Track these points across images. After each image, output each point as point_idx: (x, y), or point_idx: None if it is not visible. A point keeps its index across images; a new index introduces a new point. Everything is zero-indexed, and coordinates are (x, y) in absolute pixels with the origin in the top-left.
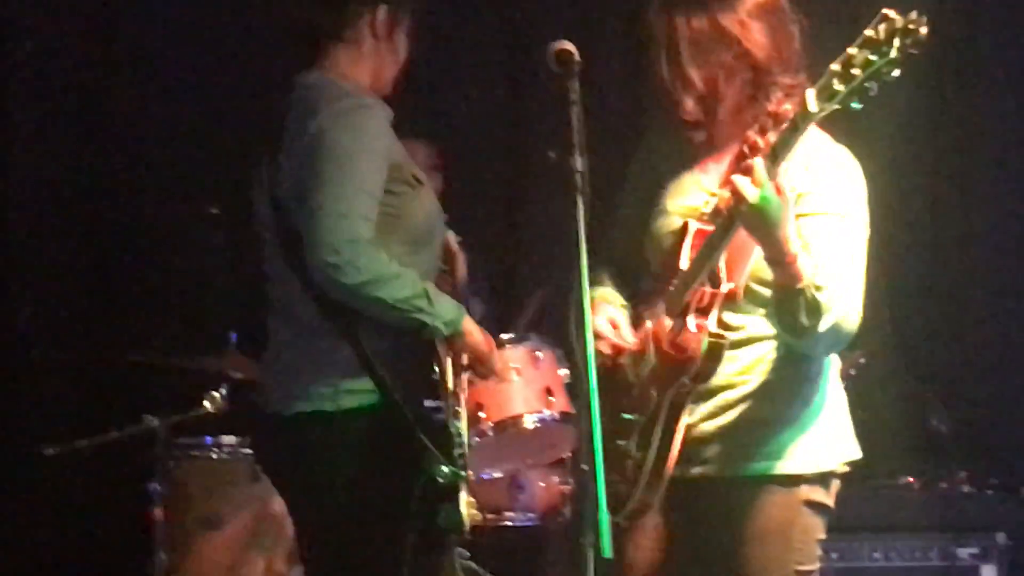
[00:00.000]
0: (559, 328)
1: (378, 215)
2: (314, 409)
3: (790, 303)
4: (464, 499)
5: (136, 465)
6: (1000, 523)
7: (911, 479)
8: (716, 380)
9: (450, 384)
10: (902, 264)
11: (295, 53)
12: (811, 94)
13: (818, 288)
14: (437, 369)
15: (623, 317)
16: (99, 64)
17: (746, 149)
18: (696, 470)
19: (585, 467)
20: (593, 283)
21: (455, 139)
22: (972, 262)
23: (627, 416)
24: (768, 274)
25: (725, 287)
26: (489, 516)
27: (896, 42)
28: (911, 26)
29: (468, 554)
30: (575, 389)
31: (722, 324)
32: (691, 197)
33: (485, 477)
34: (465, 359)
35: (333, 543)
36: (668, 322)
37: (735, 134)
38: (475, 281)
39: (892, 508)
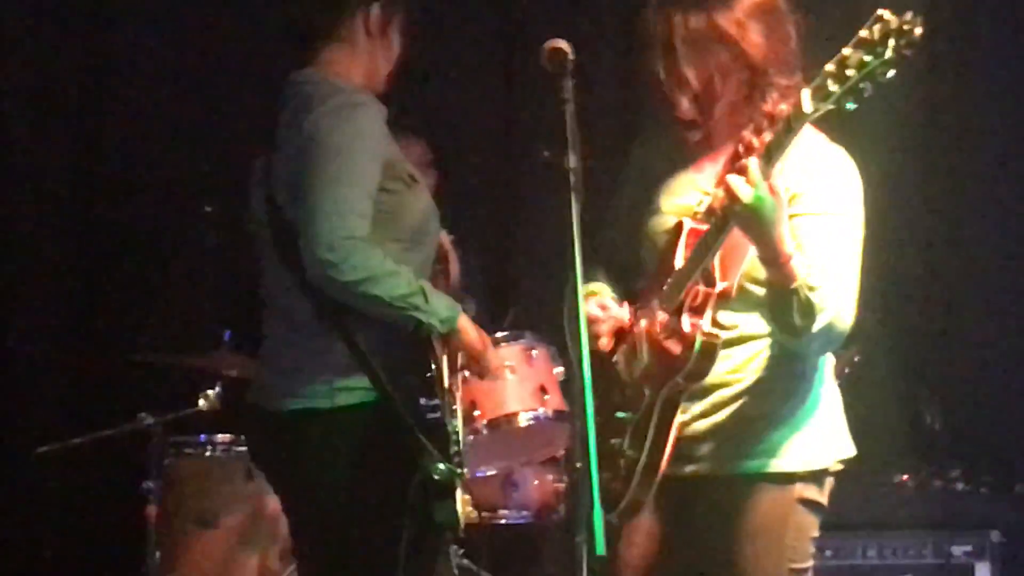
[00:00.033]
0: (553, 326)
1: (373, 213)
2: (309, 406)
3: (784, 303)
4: (460, 497)
5: (130, 463)
6: (994, 521)
7: (905, 477)
8: (710, 378)
9: (446, 382)
10: (896, 263)
11: (290, 51)
12: (806, 94)
13: (811, 288)
14: (433, 367)
15: (612, 300)
16: (94, 63)
17: (741, 149)
18: (690, 468)
19: (579, 465)
20: (587, 281)
21: (449, 137)
22: (966, 261)
23: (620, 414)
24: (762, 273)
25: (719, 286)
26: (483, 514)
27: (891, 43)
28: (906, 27)
29: (462, 552)
30: (569, 387)
31: (716, 323)
32: (686, 196)
33: (479, 475)
34: (460, 357)
35: (328, 540)
36: (662, 321)
37: (731, 134)
38: (469, 280)
39: (886, 506)
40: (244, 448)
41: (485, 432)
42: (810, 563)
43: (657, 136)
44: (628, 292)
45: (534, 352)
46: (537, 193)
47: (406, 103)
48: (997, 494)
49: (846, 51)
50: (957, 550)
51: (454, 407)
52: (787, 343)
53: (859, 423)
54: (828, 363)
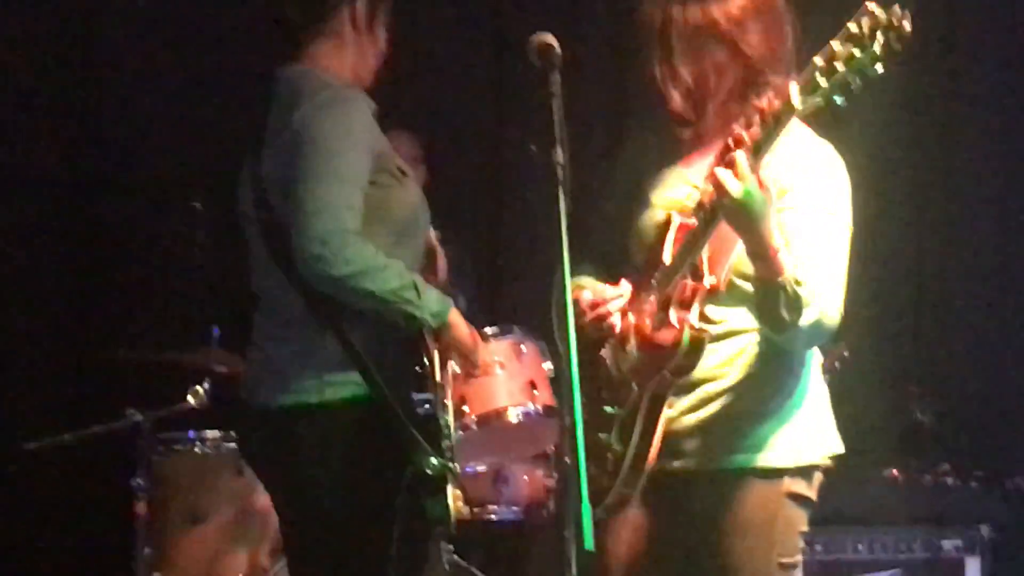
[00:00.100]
0: (542, 321)
1: (363, 207)
2: (299, 402)
3: (771, 297)
4: (451, 492)
5: (119, 460)
6: (984, 515)
7: (895, 472)
8: (697, 373)
9: (437, 376)
10: (885, 258)
11: (276, 47)
12: (794, 89)
13: (799, 283)
14: (425, 361)
15: (600, 284)
16: (82, 60)
17: (731, 143)
18: (677, 463)
19: (567, 460)
20: (575, 275)
21: (438, 131)
22: (955, 256)
23: (608, 409)
24: (750, 268)
25: (707, 281)
26: (474, 510)
27: (879, 37)
28: (894, 21)
29: (452, 548)
30: (559, 383)
31: (704, 318)
32: (676, 191)
33: (469, 471)
34: (451, 352)
35: (318, 536)
36: (650, 315)
37: (722, 129)
38: (459, 276)
39: (876, 501)
40: (233, 444)
41: (475, 427)
42: (799, 558)
43: (647, 131)
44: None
45: (524, 348)
46: (525, 188)
47: (395, 98)
48: (987, 489)
49: (834, 45)
50: (947, 545)
51: (445, 401)
52: (774, 338)
53: (849, 418)
54: (816, 359)
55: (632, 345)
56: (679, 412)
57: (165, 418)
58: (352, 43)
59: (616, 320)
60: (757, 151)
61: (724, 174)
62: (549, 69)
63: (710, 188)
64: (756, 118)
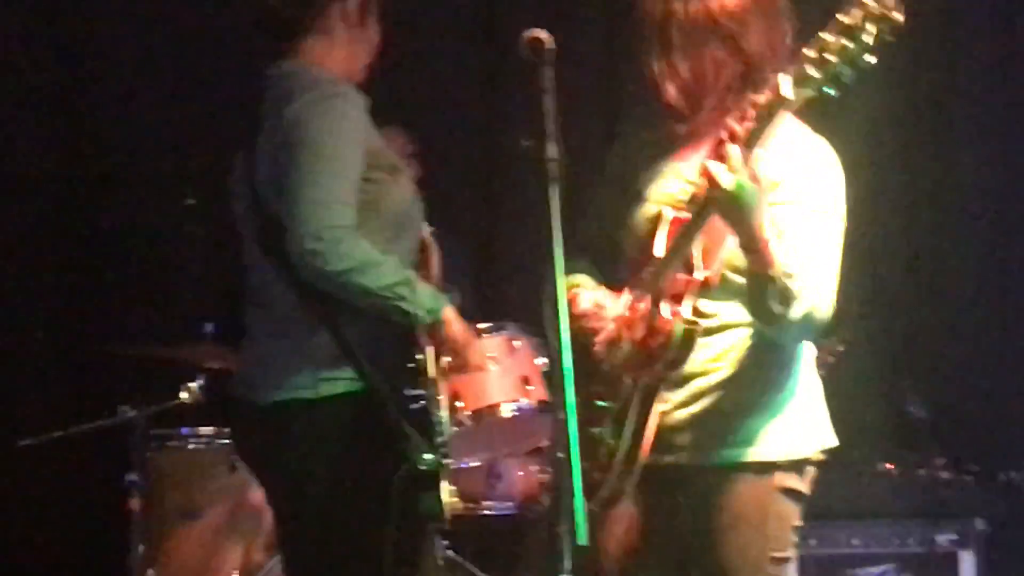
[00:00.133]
0: (536, 317)
1: (357, 203)
2: (293, 397)
3: (762, 290)
4: (445, 487)
5: (113, 456)
6: (978, 509)
7: (889, 466)
8: (690, 367)
9: (431, 372)
10: (880, 253)
11: (269, 43)
12: (785, 80)
13: (789, 275)
14: (418, 357)
15: (604, 295)
16: (75, 56)
17: (725, 136)
18: (670, 458)
19: (560, 456)
20: (568, 271)
21: (431, 127)
22: (949, 250)
23: (601, 403)
24: (742, 262)
25: (699, 275)
26: (468, 505)
27: (870, 27)
28: (885, 11)
29: (446, 543)
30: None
31: (696, 311)
32: (669, 185)
33: (463, 466)
34: (445, 348)
35: (312, 531)
36: (642, 309)
37: (717, 124)
38: (453, 272)
39: (871, 494)
40: (227, 440)
41: (469, 423)
42: (792, 552)
43: (641, 125)
44: (610, 281)
45: (517, 343)
46: (518, 183)
47: (387, 93)
48: (981, 483)
49: (825, 36)
50: (941, 538)
51: (439, 397)
52: (766, 331)
53: (843, 412)
54: (809, 353)
55: (625, 339)
56: (672, 406)
57: (159, 414)
58: (344, 39)
59: (611, 328)
60: (749, 144)
61: (716, 167)
62: (541, 64)
63: (702, 181)
64: (750, 111)
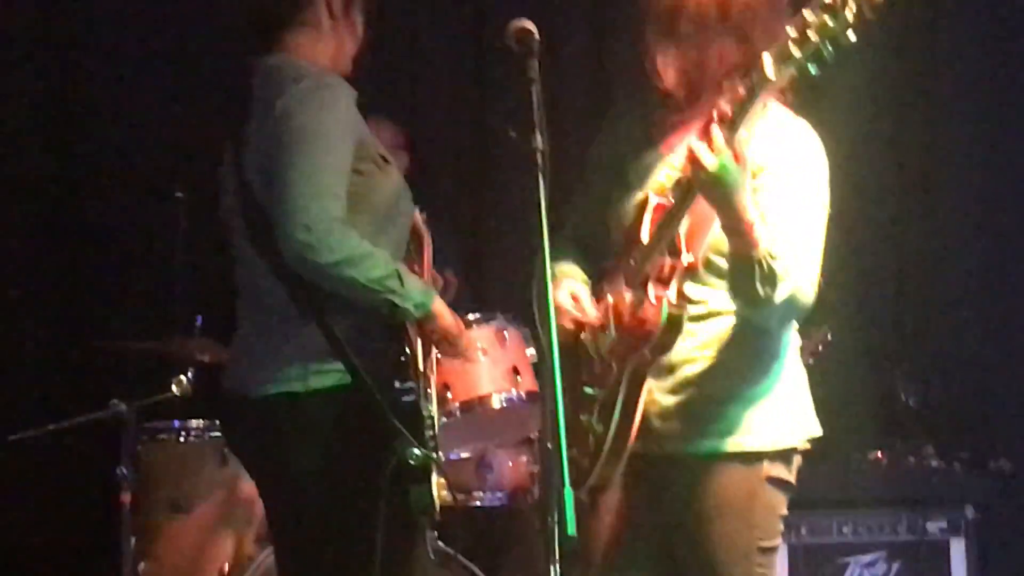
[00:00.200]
0: (525, 307)
1: (346, 194)
2: (284, 391)
3: (746, 271)
4: (435, 481)
5: (103, 449)
6: (968, 497)
7: (879, 454)
8: (676, 355)
9: (420, 365)
10: (868, 241)
11: (256, 37)
12: (767, 59)
13: (773, 257)
14: (407, 351)
15: (585, 291)
16: (61, 49)
17: (715, 116)
18: (657, 447)
19: (549, 446)
20: (556, 259)
21: (420, 119)
22: (938, 238)
23: (589, 391)
24: (727, 246)
25: (685, 259)
26: (458, 496)
27: (851, 5)
28: None
29: (436, 534)
30: (540, 367)
31: (682, 295)
32: (656, 173)
33: (453, 457)
34: (434, 341)
35: (304, 523)
36: (628, 295)
37: (705, 111)
38: (446, 256)
39: (861, 483)
40: (218, 433)
41: (458, 414)
42: (778, 541)
43: (628, 113)
44: (597, 270)
45: (507, 334)
46: (506, 174)
47: (375, 86)
48: (971, 470)
49: (807, 15)
50: (932, 526)
51: (428, 391)
52: (749, 314)
53: (833, 401)
54: (793, 342)
55: (611, 325)
56: (659, 394)
57: (149, 407)
58: (329, 32)
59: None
60: (732, 124)
61: (699, 147)
62: (528, 55)
63: (687, 163)
64: (734, 93)
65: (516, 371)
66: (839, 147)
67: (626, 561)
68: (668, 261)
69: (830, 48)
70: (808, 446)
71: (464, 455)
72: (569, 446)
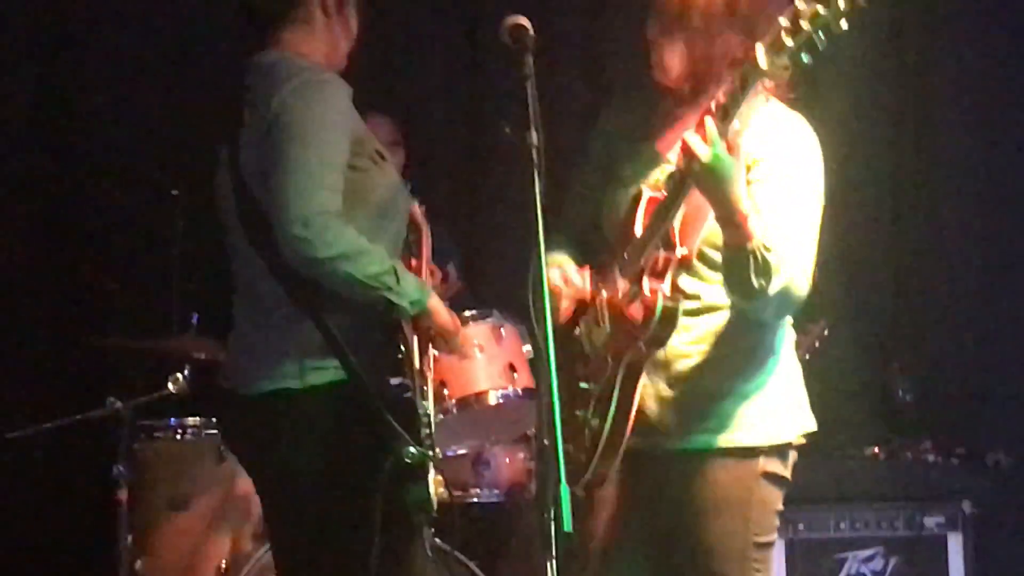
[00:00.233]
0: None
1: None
2: (280, 387)
3: (740, 262)
4: (432, 478)
5: (100, 448)
6: (966, 491)
7: (876, 449)
8: (671, 350)
9: (416, 363)
10: (865, 236)
11: (250, 34)
12: (760, 49)
13: (768, 248)
14: (403, 348)
15: (573, 266)
16: (56, 48)
17: (714, 108)
18: (652, 442)
19: (546, 442)
20: (549, 252)
21: (415, 115)
22: (935, 233)
23: (584, 385)
24: (722, 238)
25: (679, 252)
26: (455, 493)
27: None
28: None
29: (433, 531)
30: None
31: (677, 288)
32: (650, 167)
33: (449, 454)
34: (430, 338)
35: (301, 520)
36: (623, 289)
37: (704, 106)
38: (447, 248)
39: (858, 478)
40: (214, 431)
41: (455, 411)
42: (774, 536)
43: (622, 107)
44: (591, 263)
45: (503, 331)
46: (502, 170)
47: (371, 82)
48: (968, 465)
49: (798, 4)
50: (929, 521)
51: (425, 388)
52: (744, 306)
53: (829, 396)
54: (789, 337)
55: (606, 319)
56: (654, 390)
57: (146, 405)
58: (323, 28)
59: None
60: (725, 115)
61: (693, 138)
62: (523, 51)
63: (681, 155)
64: (728, 84)
65: (512, 368)
66: (836, 142)
67: (622, 557)
68: (662, 254)
69: (822, 37)
70: (803, 441)
71: (461, 452)
72: (565, 441)
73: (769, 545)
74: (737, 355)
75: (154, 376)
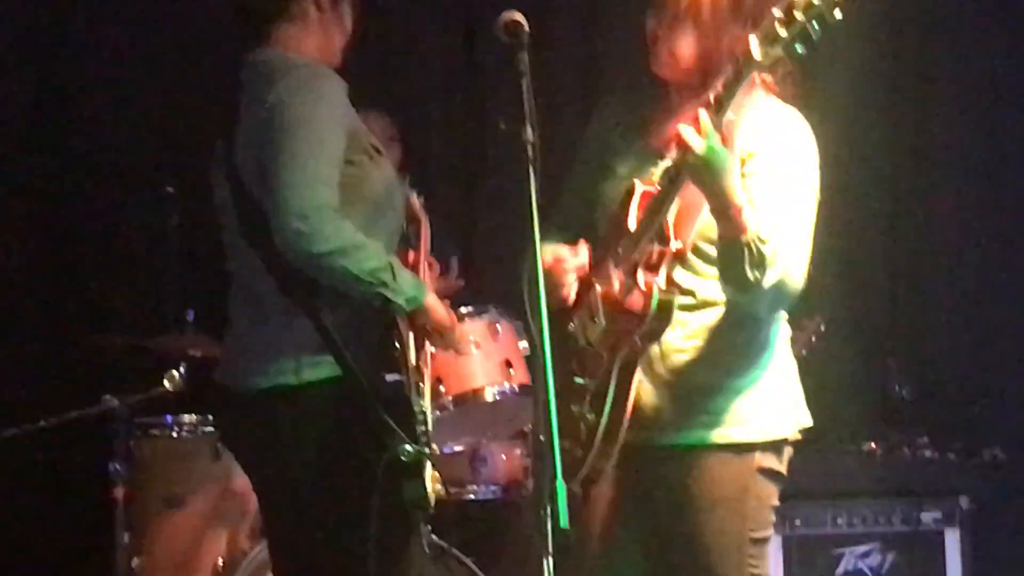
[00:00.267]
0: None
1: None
2: (277, 383)
3: (735, 255)
4: (429, 475)
5: (96, 445)
6: (963, 487)
7: (873, 444)
8: (666, 345)
9: (412, 360)
10: (861, 231)
11: (244, 32)
12: (754, 41)
13: (762, 240)
14: (398, 345)
15: (564, 248)
16: (51, 44)
17: (712, 99)
18: (648, 438)
19: (542, 437)
20: (545, 244)
21: (411, 110)
22: (932, 228)
23: (580, 381)
24: (716, 231)
25: (673, 245)
26: (451, 490)
27: None
28: None
29: (430, 528)
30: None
31: (671, 281)
32: (644, 162)
33: (446, 451)
34: (426, 334)
35: (298, 517)
36: (617, 283)
37: (698, 99)
38: (447, 241)
39: (855, 474)
40: (211, 428)
41: (451, 408)
42: (770, 532)
43: (617, 102)
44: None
45: (499, 327)
46: (498, 166)
47: (367, 78)
48: (965, 460)
49: None
50: (926, 517)
51: (421, 384)
52: (738, 299)
53: (827, 391)
54: (784, 332)
55: (601, 313)
56: (649, 385)
57: (142, 403)
58: (317, 25)
59: (571, 283)
60: (719, 106)
61: (687, 130)
62: (518, 47)
63: (675, 147)
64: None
65: (509, 364)
66: (833, 138)
67: (619, 553)
68: (657, 248)
69: (816, 27)
70: (799, 437)
71: (457, 448)
72: (561, 437)
73: (765, 541)
74: (731, 350)
75: (150, 373)
